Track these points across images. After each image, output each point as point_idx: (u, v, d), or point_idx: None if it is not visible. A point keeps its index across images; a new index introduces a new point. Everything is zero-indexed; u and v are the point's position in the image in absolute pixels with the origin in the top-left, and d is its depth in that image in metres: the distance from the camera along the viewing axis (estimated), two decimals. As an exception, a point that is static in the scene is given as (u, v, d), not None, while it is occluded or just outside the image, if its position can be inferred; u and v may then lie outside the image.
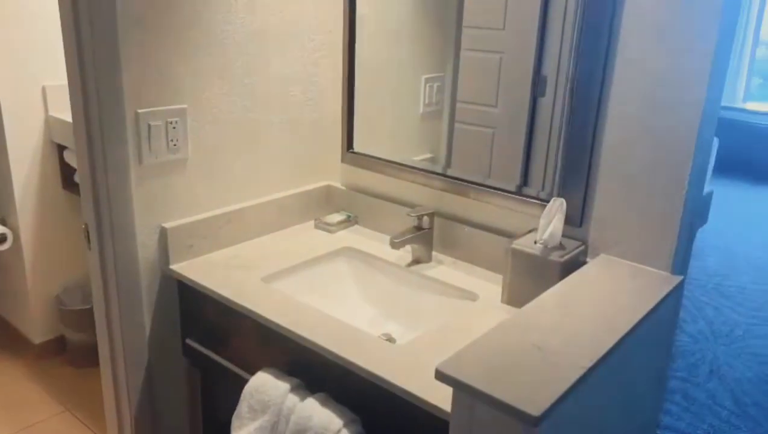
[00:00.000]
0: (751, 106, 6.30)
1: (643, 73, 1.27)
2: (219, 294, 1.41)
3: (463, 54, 1.62)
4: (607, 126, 1.34)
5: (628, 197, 1.34)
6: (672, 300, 1.31)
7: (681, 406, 2.59)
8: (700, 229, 4.41)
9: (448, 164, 1.69)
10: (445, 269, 1.59)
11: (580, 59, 1.34)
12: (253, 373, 1.35)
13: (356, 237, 1.75)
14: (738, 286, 3.70)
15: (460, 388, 0.95)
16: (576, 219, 1.41)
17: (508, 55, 1.53)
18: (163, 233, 1.51)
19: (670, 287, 1.26)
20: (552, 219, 1.34)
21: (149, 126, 1.42)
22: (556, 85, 1.42)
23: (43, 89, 2.44)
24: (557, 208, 1.34)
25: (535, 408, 0.87)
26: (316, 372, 1.27)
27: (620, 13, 1.27)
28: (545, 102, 1.46)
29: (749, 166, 5.90)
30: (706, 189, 4.32)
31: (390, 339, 1.47)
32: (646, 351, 1.32)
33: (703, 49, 1.19)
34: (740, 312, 3.39)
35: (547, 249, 1.34)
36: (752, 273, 3.89)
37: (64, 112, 2.41)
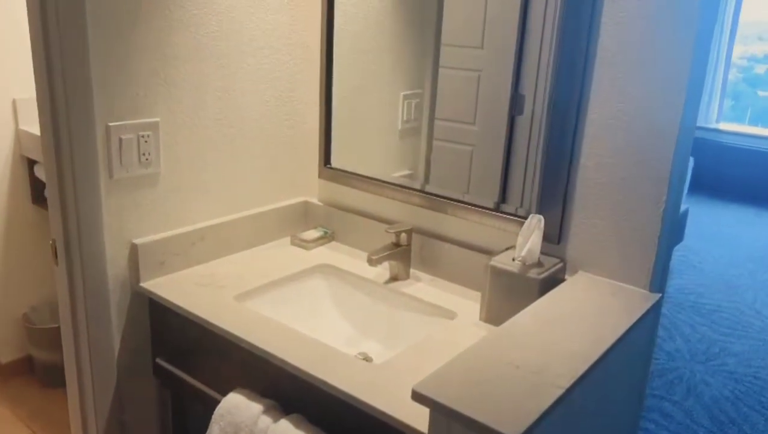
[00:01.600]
0: (724, 126, 6.43)
1: (620, 93, 1.27)
2: (191, 313, 1.38)
3: (441, 71, 1.62)
4: (585, 144, 1.34)
5: (606, 215, 1.33)
6: (650, 318, 1.31)
7: (659, 425, 2.59)
8: (675, 247, 4.48)
9: (426, 180, 1.68)
10: (423, 286, 1.57)
11: (557, 79, 1.34)
12: (225, 394, 1.31)
13: (333, 254, 1.73)
14: (713, 304, 3.73)
15: (437, 409, 0.93)
16: (554, 236, 1.40)
17: (486, 73, 1.53)
18: (134, 249, 1.47)
19: (649, 305, 1.26)
20: (530, 236, 1.33)
21: (120, 139, 1.39)
22: (534, 104, 1.42)
23: (14, 102, 2.39)
24: (535, 224, 1.33)
25: (512, 429, 0.85)
26: (291, 393, 1.24)
27: (596, 34, 1.28)
28: (523, 120, 1.46)
29: (722, 185, 6.00)
30: (682, 207, 4.40)
31: (367, 358, 1.44)
32: (625, 370, 1.31)
33: (678, 71, 1.20)
34: (716, 330, 3.41)
35: (526, 266, 1.33)
36: (726, 291, 3.93)
37: (34, 125, 2.35)
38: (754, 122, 6.78)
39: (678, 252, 4.36)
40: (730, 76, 6.63)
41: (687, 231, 4.30)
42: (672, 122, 1.22)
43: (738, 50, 6.74)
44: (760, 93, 7.05)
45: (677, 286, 3.94)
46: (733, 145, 6.14)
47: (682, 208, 4.13)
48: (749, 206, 5.78)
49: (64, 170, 1.36)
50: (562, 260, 1.39)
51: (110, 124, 1.37)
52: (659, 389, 2.83)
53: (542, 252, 1.36)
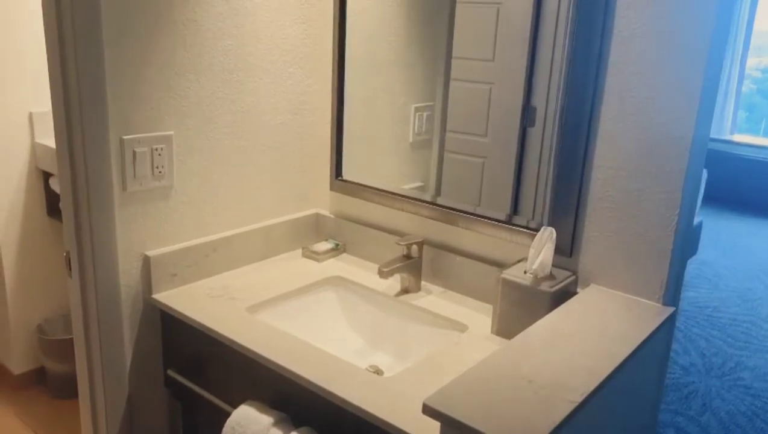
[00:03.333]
0: (738, 138, 6.37)
1: (632, 105, 1.27)
2: (202, 325, 1.38)
3: (453, 84, 1.62)
4: (596, 157, 1.33)
5: (618, 228, 1.33)
6: (664, 332, 1.29)
7: (674, 440, 2.55)
8: (690, 260, 4.43)
9: (438, 193, 1.68)
10: (434, 299, 1.56)
11: (569, 91, 1.34)
12: (236, 406, 1.31)
13: (344, 266, 1.73)
14: (729, 318, 3.68)
15: (447, 423, 0.92)
16: (566, 249, 1.39)
17: (497, 86, 1.53)
18: (146, 261, 1.48)
19: (662, 319, 1.24)
20: (542, 248, 1.32)
21: (134, 152, 1.40)
22: (546, 116, 1.42)
23: (30, 115, 2.42)
24: (547, 237, 1.32)
25: (525, 445, 0.85)
26: (302, 405, 1.24)
27: (608, 46, 1.28)
28: (535, 132, 1.45)
29: (737, 197, 5.94)
30: (696, 220, 4.35)
31: (377, 371, 1.43)
32: (638, 384, 1.29)
33: (691, 83, 1.19)
34: (731, 344, 3.37)
35: (537, 279, 1.32)
36: (742, 304, 3.88)
37: (50, 138, 2.38)
38: (768, 133, 6.74)
39: (692, 265, 4.32)
40: (745, 88, 6.59)
41: (701, 243, 4.26)
42: (685, 134, 1.21)
43: (752, 62, 6.70)
44: (775, 104, 7.01)
45: (692, 299, 3.90)
46: (748, 156, 6.08)
47: (696, 220, 4.10)
48: (764, 218, 5.71)
49: (78, 182, 1.37)
50: (575, 273, 1.38)
51: (124, 137, 1.38)
52: (674, 403, 2.79)
53: (554, 265, 1.36)
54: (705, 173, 4.37)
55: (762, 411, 2.78)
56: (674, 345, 3.30)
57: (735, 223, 5.57)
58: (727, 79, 6.23)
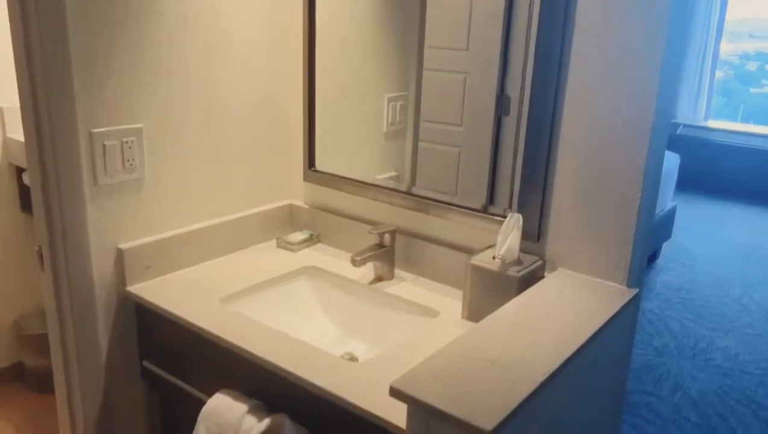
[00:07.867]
0: (712, 123, 6.48)
1: (594, 94, 1.30)
2: (176, 316, 1.39)
3: (427, 74, 1.63)
4: (561, 143, 1.36)
5: (584, 213, 1.36)
6: (628, 314, 1.33)
7: (646, 419, 2.61)
8: (664, 244, 4.49)
9: (413, 182, 1.69)
10: (407, 286, 1.59)
11: (534, 79, 1.36)
12: (211, 395, 1.33)
13: (319, 256, 1.75)
14: (701, 300, 3.76)
15: (414, 405, 0.95)
16: (533, 234, 1.42)
17: (472, 75, 1.55)
18: (120, 254, 1.48)
19: (625, 300, 1.28)
20: (509, 235, 1.35)
21: (104, 146, 1.41)
22: (520, 104, 1.44)
23: (1, 110, 2.40)
24: (514, 223, 1.35)
25: (487, 422, 0.88)
26: (276, 393, 1.26)
27: (570, 35, 1.30)
28: (509, 121, 1.47)
29: (712, 182, 6.04)
30: (670, 204, 4.39)
31: (352, 358, 1.46)
32: (603, 364, 1.33)
33: (649, 66, 1.22)
34: (703, 325, 3.45)
35: (505, 264, 1.35)
36: (715, 286, 3.97)
37: (22, 133, 2.36)
38: (746, 119, 6.82)
39: (667, 249, 4.40)
40: (723, 74, 6.67)
41: (676, 228, 4.34)
42: (645, 123, 1.24)
43: (729, 48, 6.80)
44: (752, 90, 7.11)
45: (666, 283, 3.98)
46: (722, 142, 6.18)
47: (670, 205, 4.17)
48: (738, 203, 5.82)
49: (48, 177, 1.38)
50: (542, 258, 1.42)
51: (93, 130, 1.39)
52: (647, 385, 2.86)
53: (522, 251, 1.39)
54: (678, 158, 4.45)
55: (732, 389, 2.85)
56: (648, 328, 3.37)
57: (710, 208, 5.67)
58: (700, 66, 6.31)
